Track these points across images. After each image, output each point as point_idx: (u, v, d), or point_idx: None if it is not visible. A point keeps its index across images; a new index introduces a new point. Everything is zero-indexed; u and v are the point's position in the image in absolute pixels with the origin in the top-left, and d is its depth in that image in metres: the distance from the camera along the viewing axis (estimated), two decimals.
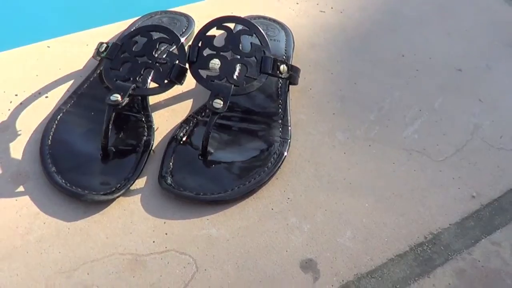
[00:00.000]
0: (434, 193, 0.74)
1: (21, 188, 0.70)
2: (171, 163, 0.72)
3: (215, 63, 0.75)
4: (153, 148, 0.75)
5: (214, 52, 0.76)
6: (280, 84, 0.82)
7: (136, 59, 0.75)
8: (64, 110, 0.77)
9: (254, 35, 0.78)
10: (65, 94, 0.82)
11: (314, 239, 0.68)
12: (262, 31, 0.78)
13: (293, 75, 0.80)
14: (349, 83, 0.88)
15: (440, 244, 0.69)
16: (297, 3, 1.03)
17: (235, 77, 0.75)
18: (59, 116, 0.77)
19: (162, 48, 0.82)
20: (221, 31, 0.78)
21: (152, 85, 0.75)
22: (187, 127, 0.76)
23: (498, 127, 0.83)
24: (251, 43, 0.77)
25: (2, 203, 0.69)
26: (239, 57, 0.76)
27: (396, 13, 1.03)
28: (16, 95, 0.81)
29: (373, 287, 0.64)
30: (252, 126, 0.77)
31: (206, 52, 0.76)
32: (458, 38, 0.99)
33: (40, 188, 0.70)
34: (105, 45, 0.78)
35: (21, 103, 0.80)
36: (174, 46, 0.77)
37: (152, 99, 0.81)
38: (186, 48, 0.76)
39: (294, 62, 0.89)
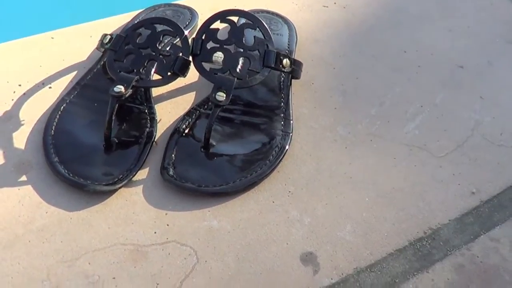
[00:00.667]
0: (434, 188, 0.74)
1: (23, 178, 0.71)
2: (173, 155, 0.73)
3: (219, 56, 0.75)
4: (155, 140, 0.75)
5: (218, 45, 0.76)
6: (282, 78, 0.83)
7: (139, 51, 0.75)
8: (68, 101, 0.78)
9: (257, 28, 0.78)
10: (69, 85, 0.82)
11: (315, 233, 0.68)
12: (265, 25, 0.78)
13: (295, 69, 0.80)
14: (351, 78, 0.88)
15: (439, 240, 0.69)
16: None
17: (238, 70, 0.75)
18: (62, 107, 0.77)
19: (166, 41, 0.82)
20: (225, 24, 0.78)
21: (155, 77, 0.76)
22: (190, 119, 0.77)
23: (498, 123, 0.84)
24: (254, 36, 0.77)
25: (5, 193, 0.69)
26: (242, 50, 0.76)
27: (398, 9, 1.04)
28: (19, 85, 0.81)
29: (372, 281, 0.65)
30: (254, 119, 0.78)
31: (210, 45, 0.76)
32: (460, 35, 0.99)
33: (43, 178, 0.71)
34: (109, 36, 0.78)
35: (24, 94, 0.80)
36: (178, 39, 0.77)
37: (155, 91, 0.81)
38: (189, 40, 0.77)
39: (296, 56, 0.89)
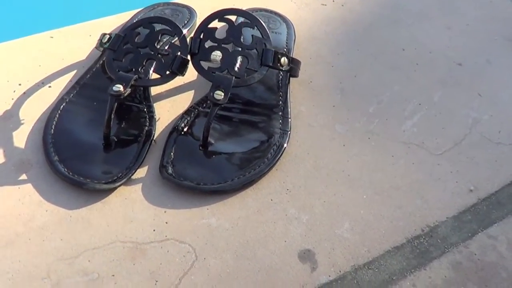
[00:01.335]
0: (432, 186, 0.74)
1: (24, 177, 0.71)
2: (172, 153, 0.73)
3: (217, 55, 0.76)
4: (154, 138, 0.76)
5: (216, 44, 0.76)
6: (281, 77, 0.83)
7: (138, 50, 0.76)
8: (67, 100, 0.78)
9: (255, 27, 0.78)
10: (68, 84, 0.83)
11: (313, 230, 0.68)
12: (263, 23, 0.78)
13: (293, 67, 0.80)
14: (349, 76, 0.88)
15: (437, 237, 0.69)
16: None
17: (236, 69, 0.75)
18: (62, 106, 0.77)
19: (165, 40, 0.82)
20: (223, 23, 0.78)
21: (154, 76, 0.76)
22: (188, 118, 0.77)
23: (497, 121, 0.84)
24: (252, 35, 0.78)
25: (5, 191, 0.70)
26: (240, 49, 0.77)
27: (397, 7, 1.04)
28: (19, 84, 0.82)
29: (370, 279, 0.65)
30: (252, 117, 0.78)
31: (208, 44, 0.77)
32: (458, 33, 1.00)
33: (43, 177, 0.71)
34: (108, 36, 0.79)
35: (24, 93, 0.81)
36: (176, 38, 0.77)
37: (154, 90, 0.82)
38: (188, 40, 0.77)
39: (295, 54, 0.90)
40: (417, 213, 0.71)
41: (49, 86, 0.82)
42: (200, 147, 0.74)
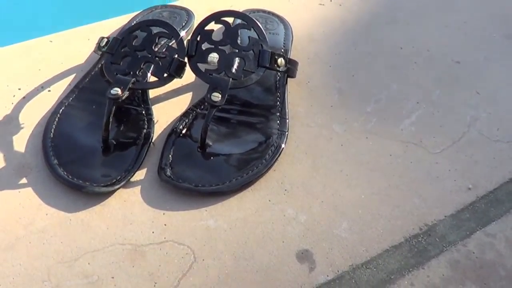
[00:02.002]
0: (430, 185, 0.75)
1: (24, 180, 0.72)
2: (170, 155, 0.73)
3: (214, 56, 0.76)
4: (153, 141, 0.76)
5: (213, 46, 0.77)
6: (278, 77, 0.83)
7: (136, 54, 0.76)
8: (66, 104, 0.79)
9: (252, 29, 0.79)
10: (67, 88, 0.83)
11: (311, 230, 0.69)
12: (259, 25, 0.79)
13: (290, 68, 0.81)
14: (347, 75, 0.89)
15: (435, 236, 0.69)
16: None
17: (233, 70, 0.76)
18: (61, 110, 0.78)
19: (162, 42, 0.83)
20: (220, 25, 0.78)
21: (152, 78, 0.76)
22: (187, 120, 0.78)
23: (495, 119, 0.84)
24: (249, 37, 0.78)
25: (5, 195, 0.70)
26: (237, 51, 0.77)
27: (395, 6, 1.04)
28: (19, 89, 0.83)
29: (368, 278, 0.65)
30: (250, 118, 0.79)
31: (205, 46, 0.77)
32: (456, 30, 1.00)
33: (43, 180, 0.72)
34: (106, 39, 0.79)
35: (24, 97, 0.82)
36: (174, 40, 0.78)
37: (152, 93, 0.82)
38: (185, 42, 0.77)
39: (293, 55, 0.90)
40: (415, 212, 0.71)
41: (49, 90, 0.83)
42: (198, 149, 0.74)
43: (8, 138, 0.76)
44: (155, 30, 0.78)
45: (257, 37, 0.78)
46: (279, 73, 0.83)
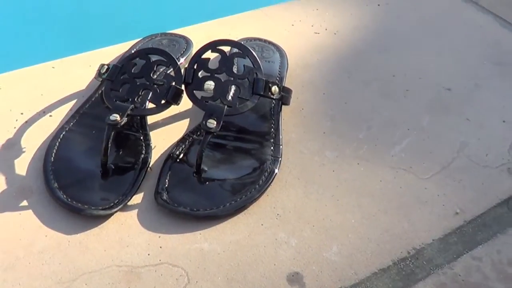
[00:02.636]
0: (419, 209, 0.76)
1: (25, 203, 0.74)
2: (167, 180, 0.75)
3: (210, 84, 0.78)
4: (150, 166, 0.78)
5: (209, 74, 0.79)
6: (273, 104, 0.85)
7: (135, 81, 0.79)
8: (67, 129, 0.81)
9: (247, 57, 0.81)
10: (68, 113, 0.85)
11: (301, 254, 0.70)
12: (254, 54, 0.81)
13: (285, 96, 0.83)
14: (340, 103, 0.91)
15: (422, 259, 0.71)
16: (293, 25, 1.07)
17: (228, 98, 0.78)
18: (62, 134, 0.80)
19: (160, 70, 0.85)
20: (216, 54, 0.81)
21: (150, 105, 0.79)
22: (183, 146, 0.80)
23: (484, 145, 0.86)
24: (244, 65, 0.81)
25: (7, 217, 0.72)
26: (232, 79, 0.79)
27: (388, 35, 1.07)
28: (21, 113, 0.85)
29: None
30: (245, 144, 0.81)
31: (201, 74, 0.79)
32: (448, 58, 1.02)
33: (43, 203, 0.74)
34: (106, 66, 0.82)
35: (26, 121, 0.84)
36: (171, 68, 0.80)
37: (150, 119, 0.84)
38: (182, 70, 0.80)
39: (287, 82, 0.92)
40: (403, 236, 0.73)
41: (50, 115, 0.85)
42: (194, 174, 0.76)
43: (10, 161, 0.78)
44: (154, 58, 0.80)
45: (252, 66, 0.80)
46: (273, 101, 0.85)
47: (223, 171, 0.77)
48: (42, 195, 0.75)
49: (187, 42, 0.96)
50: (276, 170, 0.78)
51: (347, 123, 0.88)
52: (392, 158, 0.83)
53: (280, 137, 0.82)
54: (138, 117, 0.82)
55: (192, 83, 0.79)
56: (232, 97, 0.79)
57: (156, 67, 0.80)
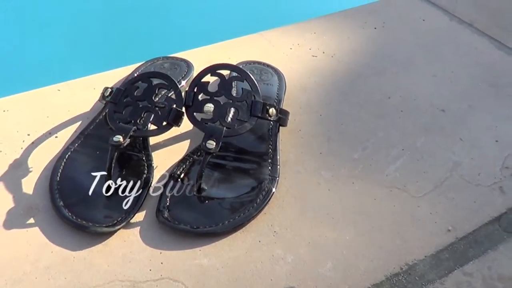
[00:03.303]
0: (412, 227, 0.78)
1: (31, 220, 0.76)
2: (168, 199, 0.78)
3: (209, 106, 0.81)
4: (152, 185, 0.81)
5: (208, 97, 0.82)
6: (270, 126, 0.88)
7: (137, 103, 0.81)
8: (72, 149, 0.84)
9: (245, 81, 0.84)
10: (73, 134, 0.88)
11: (297, 269, 0.73)
12: (252, 77, 0.84)
13: (282, 117, 0.86)
14: (337, 124, 0.94)
15: (415, 275, 0.73)
16: (291, 48, 1.10)
17: (227, 120, 0.81)
18: (67, 155, 0.83)
19: (162, 93, 0.88)
20: (215, 78, 0.83)
21: (152, 127, 0.82)
22: (184, 166, 0.82)
23: (477, 164, 0.88)
24: (242, 88, 0.83)
25: (14, 233, 0.75)
26: (231, 101, 0.82)
27: (384, 57, 1.09)
28: (28, 134, 0.88)
29: None
30: (243, 164, 0.83)
31: (201, 96, 0.82)
32: (443, 80, 1.05)
33: (49, 220, 0.76)
34: (109, 89, 0.84)
35: (33, 142, 0.87)
36: (172, 91, 0.83)
37: (152, 140, 0.87)
38: (183, 93, 0.83)
39: (285, 104, 0.95)
40: (397, 252, 0.75)
41: (56, 136, 0.88)
42: (194, 193, 0.79)
43: (17, 180, 0.81)
44: (156, 81, 0.83)
45: (250, 89, 0.83)
46: (271, 122, 0.88)
47: (222, 190, 0.80)
48: (48, 213, 0.77)
49: (188, 65, 0.99)
50: (274, 189, 0.81)
51: (343, 143, 0.90)
52: (387, 177, 0.85)
53: (278, 157, 0.85)
54: (141, 138, 0.85)
55: (193, 105, 0.81)
56: (231, 119, 0.81)
57: (158, 90, 0.83)
